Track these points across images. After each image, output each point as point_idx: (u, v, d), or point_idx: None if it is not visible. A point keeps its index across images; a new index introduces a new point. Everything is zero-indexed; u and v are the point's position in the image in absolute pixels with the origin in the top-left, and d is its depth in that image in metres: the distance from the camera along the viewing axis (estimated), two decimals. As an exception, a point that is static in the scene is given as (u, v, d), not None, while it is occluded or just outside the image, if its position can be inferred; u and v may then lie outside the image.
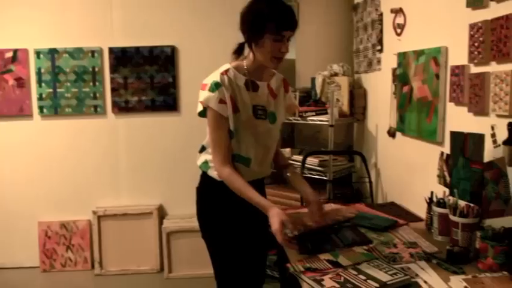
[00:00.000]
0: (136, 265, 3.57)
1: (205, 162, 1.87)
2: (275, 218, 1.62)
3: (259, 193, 1.75)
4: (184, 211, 3.61)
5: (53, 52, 3.53)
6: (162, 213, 3.69)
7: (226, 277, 1.92)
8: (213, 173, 1.83)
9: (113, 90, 3.59)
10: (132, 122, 3.63)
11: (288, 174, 1.96)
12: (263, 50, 1.70)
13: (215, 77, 1.74)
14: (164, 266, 3.48)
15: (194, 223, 3.29)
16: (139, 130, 3.65)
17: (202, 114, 1.80)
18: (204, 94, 1.74)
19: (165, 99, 3.61)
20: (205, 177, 1.89)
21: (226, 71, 1.75)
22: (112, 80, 3.58)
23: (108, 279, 3.49)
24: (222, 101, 1.72)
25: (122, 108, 3.61)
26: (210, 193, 1.89)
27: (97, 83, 3.58)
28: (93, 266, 3.61)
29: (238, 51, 1.81)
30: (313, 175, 2.94)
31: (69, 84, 3.56)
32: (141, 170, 3.68)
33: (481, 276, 1.44)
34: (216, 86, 1.71)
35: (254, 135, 1.79)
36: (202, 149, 1.90)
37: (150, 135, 3.66)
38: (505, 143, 1.58)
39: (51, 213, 3.64)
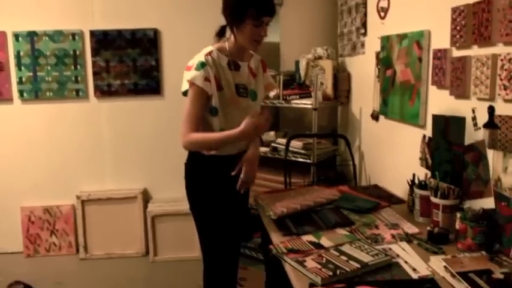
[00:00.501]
0: (121, 249, 3.57)
1: None
2: (244, 126, 1.80)
3: None
4: (168, 195, 3.60)
5: (32, 35, 3.45)
6: (146, 197, 3.68)
7: (213, 247, 2.04)
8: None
9: (95, 73, 3.53)
10: (115, 105, 3.59)
11: None
12: (244, 34, 1.84)
13: (200, 57, 1.86)
14: (149, 249, 3.48)
15: (179, 206, 3.37)
16: (123, 114, 3.61)
17: (187, 93, 1.90)
18: (191, 73, 1.85)
19: (148, 83, 3.57)
20: (192, 153, 1.99)
21: (210, 53, 1.88)
22: (94, 63, 3.52)
23: (93, 263, 3.48)
24: (207, 79, 1.83)
25: (105, 92, 3.55)
26: (197, 167, 1.99)
27: (78, 67, 3.51)
28: (77, 251, 3.60)
29: (220, 34, 1.95)
30: (297, 158, 2.95)
31: (50, 67, 3.49)
32: (125, 154, 3.66)
33: (460, 256, 1.47)
34: (201, 65, 1.83)
35: (237, 111, 1.91)
36: None
37: (134, 119, 3.62)
38: (485, 125, 1.60)
39: (34, 199, 3.60)
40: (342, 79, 3.21)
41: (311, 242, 1.62)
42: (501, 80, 1.51)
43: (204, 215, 2.03)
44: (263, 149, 3.05)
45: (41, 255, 3.59)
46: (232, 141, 1.87)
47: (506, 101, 1.50)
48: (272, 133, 3.18)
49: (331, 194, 2.15)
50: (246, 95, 1.95)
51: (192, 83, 1.84)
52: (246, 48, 1.91)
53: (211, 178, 1.98)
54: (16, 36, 3.43)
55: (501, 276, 1.32)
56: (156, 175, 3.69)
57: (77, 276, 3.28)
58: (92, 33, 3.48)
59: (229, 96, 1.89)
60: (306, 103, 2.98)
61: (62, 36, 3.47)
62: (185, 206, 2.17)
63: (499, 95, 1.53)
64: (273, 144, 3.12)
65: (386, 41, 2.48)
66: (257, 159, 2.02)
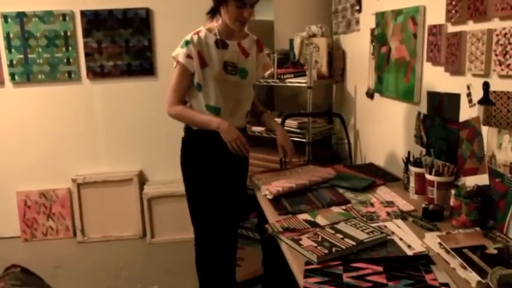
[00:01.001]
0: (118, 231, 3.59)
1: None
2: (225, 133, 1.94)
3: None
4: (164, 176, 3.61)
5: (21, 16, 3.39)
6: (142, 179, 3.69)
7: (202, 219, 2.15)
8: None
9: (87, 55, 3.49)
10: (108, 87, 3.56)
11: (263, 117, 2.26)
12: (228, 14, 1.93)
13: (188, 36, 2.00)
14: (146, 231, 3.50)
15: (175, 188, 3.38)
16: (116, 95, 3.59)
17: None
18: (176, 50, 2.01)
19: (142, 63, 3.54)
20: (186, 128, 2.11)
21: (198, 32, 2.00)
22: (85, 44, 3.48)
23: (91, 246, 3.50)
24: (189, 56, 1.97)
25: (97, 73, 3.52)
26: (192, 141, 2.10)
27: (70, 48, 3.47)
28: (75, 234, 3.62)
29: (212, 13, 2.03)
30: (293, 137, 2.94)
31: (41, 49, 3.45)
32: (120, 136, 3.65)
33: (455, 232, 1.48)
34: (185, 44, 1.98)
35: (224, 87, 2.01)
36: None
37: (128, 100, 3.60)
38: (480, 102, 1.60)
39: (30, 183, 3.60)
40: (336, 57, 3.19)
41: (307, 221, 1.63)
42: (496, 55, 1.50)
43: (197, 191, 2.12)
44: (258, 129, 3.04)
45: (38, 239, 3.61)
46: (207, 127, 1.99)
47: (501, 76, 1.50)
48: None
49: (327, 173, 2.16)
50: (235, 73, 2.03)
51: (176, 60, 2.00)
52: (232, 28, 1.97)
53: (206, 154, 2.07)
54: (5, 17, 3.38)
55: (495, 252, 1.33)
56: (152, 157, 3.68)
57: (75, 259, 3.31)
58: (83, 14, 3.43)
59: (216, 73, 1.98)
60: (301, 82, 2.96)
61: (52, 17, 3.41)
62: (181, 188, 2.20)
63: (494, 70, 1.52)
64: (265, 109, 3.10)
65: (381, 17, 2.45)
66: (287, 135, 2.18)
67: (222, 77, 1.99)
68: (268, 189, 1.96)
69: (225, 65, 2.00)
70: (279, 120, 3.00)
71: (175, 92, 2.02)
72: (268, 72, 3.09)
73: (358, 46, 2.90)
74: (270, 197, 1.93)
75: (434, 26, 1.90)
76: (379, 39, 2.49)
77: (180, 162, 2.15)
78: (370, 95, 2.71)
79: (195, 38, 1.97)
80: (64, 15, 3.42)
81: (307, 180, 2.04)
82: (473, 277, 1.21)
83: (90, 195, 3.55)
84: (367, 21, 2.71)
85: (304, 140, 2.92)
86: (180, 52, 1.98)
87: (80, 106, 3.57)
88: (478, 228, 1.51)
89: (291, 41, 3.26)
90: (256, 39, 2.16)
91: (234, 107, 2.07)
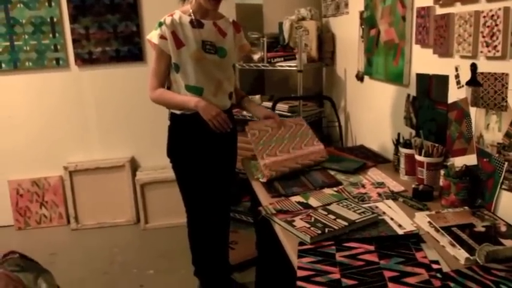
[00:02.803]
0: (112, 218, 3.60)
1: None
2: (203, 111, 1.97)
3: (232, 130, 2.10)
4: (156, 162, 3.61)
5: (5, 2, 3.33)
6: (134, 165, 3.69)
7: (192, 201, 2.19)
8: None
9: (75, 41, 3.45)
10: (97, 74, 3.53)
11: (244, 102, 2.28)
12: None
13: (161, 19, 2.02)
14: (140, 217, 3.51)
15: (167, 173, 3.38)
16: (106, 82, 3.56)
17: None
18: (151, 33, 2.05)
19: (130, 49, 3.51)
20: (172, 116, 2.12)
21: (172, 14, 2.04)
22: (73, 30, 3.43)
23: (85, 233, 3.51)
24: (162, 37, 1.99)
25: (86, 60, 3.49)
26: (177, 127, 2.11)
27: (57, 35, 3.43)
28: (69, 222, 3.62)
29: None
30: (284, 121, 2.96)
31: (27, 36, 3.40)
32: (110, 123, 3.63)
33: (444, 211, 1.52)
34: (159, 25, 2.01)
35: (203, 67, 2.02)
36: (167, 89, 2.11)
37: (117, 86, 3.58)
38: (468, 83, 1.62)
39: (21, 171, 3.58)
40: (326, 40, 3.19)
41: (299, 203, 1.65)
42: (483, 37, 1.52)
43: (186, 176, 2.15)
44: (248, 114, 3.05)
45: (32, 228, 3.61)
46: (186, 107, 2.02)
47: (488, 58, 1.52)
48: (257, 97, 3.18)
49: (319, 156, 2.16)
50: (214, 52, 2.04)
51: (152, 43, 2.02)
52: (205, 6, 2.00)
53: (192, 138, 2.08)
54: (-11, 4, 3.32)
55: (482, 229, 1.37)
56: (143, 143, 3.68)
57: (70, 246, 3.32)
58: None
59: (194, 51, 2.00)
60: (291, 65, 2.97)
61: (37, 2, 3.36)
62: (172, 173, 2.20)
63: (481, 52, 1.54)
64: (244, 94, 3.11)
65: (369, 0, 2.45)
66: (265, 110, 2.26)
67: (201, 55, 2.00)
68: (261, 171, 1.97)
69: (203, 44, 2.02)
70: (269, 104, 3.01)
71: (155, 76, 2.05)
72: (257, 56, 3.10)
73: (347, 29, 2.90)
74: (263, 180, 1.95)
75: (423, 8, 1.91)
76: (368, 22, 2.49)
77: (166, 150, 2.17)
78: (360, 77, 2.72)
79: (168, 19, 2.00)
80: (50, 1, 3.36)
81: (300, 164, 2.06)
82: (462, 254, 1.25)
83: (83, 182, 3.55)
84: (356, 3, 2.70)
85: (295, 124, 2.93)
86: (153, 34, 2.02)
87: (70, 93, 3.54)
88: (466, 207, 1.54)
89: (280, 25, 3.25)
90: (232, 20, 2.18)
91: (215, 87, 2.07)
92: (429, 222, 1.44)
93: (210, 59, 2.03)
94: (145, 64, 3.53)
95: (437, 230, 1.39)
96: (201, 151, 2.11)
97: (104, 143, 3.66)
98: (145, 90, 3.45)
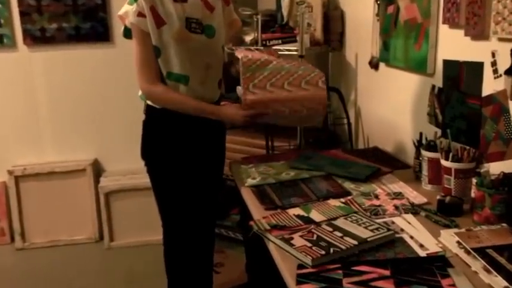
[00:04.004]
0: (68, 235, 3.57)
1: None
2: (235, 116, 1.99)
3: (214, 124, 2.08)
4: (125, 165, 3.60)
5: None
6: (98, 169, 3.68)
7: (172, 214, 2.17)
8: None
9: (23, 14, 3.43)
10: (52, 56, 3.52)
11: None
12: None
13: None
14: (104, 233, 3.50)
15: (139, 180, 3.37)
16: (63, 66, 3.55)
17: (127, 33, 2.03)
18: (123, 8, 1.98)
19: (94, 26, 3.50)
20: (149, 110, 2.08)
21: None
22: (20, 1, 3.40)
23: (33, 253, 3.48)
24: (140, 14, 1.93)
25: (37, 38, 3.47)
26: (156, 122, 2.08)
27: (0, 6, 3.39)
28: (13, 239, 3.58)
29: None
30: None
31: (-35, 8, 3.37)
32: (69, 117, 3.62)
33: (477, 229, 1.50)
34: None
35: (189, 50, 1.99)
36: None
37: (77, 72, 3.57)
38: (507, 72, 1.61)
39: (-44, 175, 3.55)
40: (333, 19, 3.19)
41: (299, 216, 1.65)
42: (527, 15, 1.51)
43: (165, 183, 2.13)
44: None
45: (-33, 245, 3.57)
46: (205, 116, 2.01)
47: (532, 41, 1.51)
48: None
49: (316, 104, 2.02)
50: (201, 31, 2.02)
51: (124, 20, 1.99)
52: None
53: (173, 138, 2.07)
54: None
55: (524, 252, 1.36)
56: (109, 142, 3.67)
57: (13, 270, 3.28)
58: (17, -37, 3.37)
59: (177, 31, 1.96)
60: (290, 49, 2.95)
61: (-22, -32, 3.33)
62: (146, 179, 2.19)
63: (524, 34, 1.53)
64: None
65: (387, -31, 2.45)
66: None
67: (185, 35, 1.98)
68: (243, 96, 1.97)
69: (187, 22, 1.98)
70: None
71: (145, 65, 1.98)
72: (249, 38, 3.08)
73: (359, 5, 2.90)
74: (252, 183, 1.93)
75: (453, -20, 1.90)
76: (385, -4, 2.49)
77: (140, 151, 2.15)
78: (374, 65, 2.72)
79: None
80: (-5, -34, 3.34)
81: (288, 109, 1.99)
82: (499, 282, 1.23)
83: (32, 190, 3.51)
84: (370, -26, 2.70)
85: (294, 120, 2.92)
86: (128, 10, 1.96)
87: (17, 79, 3.52)
88: (504, 225, 1.53)
89: (278, 0, 3.24)
90: None
91: (204, 73, 2.06)
92: (458, 242, 1.43)
93: (196, 40, 2.01)
94: (112, 45, 3.52)
95: (468, 252, 1.37)
96: (184, 151, 2.10)
97: (60, 141, 3.64)
98: (113, 77, 3.52)
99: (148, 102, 2.08)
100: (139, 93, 2.08)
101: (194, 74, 2.03)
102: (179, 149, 2.09)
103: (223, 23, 2.14)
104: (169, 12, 1.96)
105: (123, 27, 2.04)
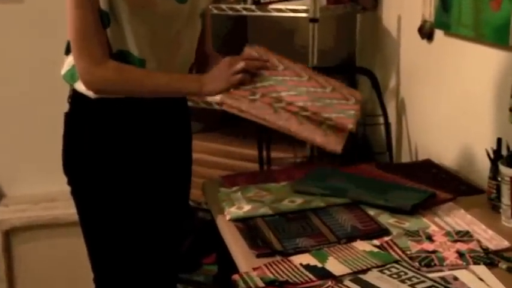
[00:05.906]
0: None
1: (74, 69, 2.05)
2: (216, 82, 2.05)
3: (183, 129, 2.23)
4: (36, 189, 3.65)
5: None
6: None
7: (111, 269, 2.21)
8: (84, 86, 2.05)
9: None
10: None
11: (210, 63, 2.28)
12: None
13: None
14: (2, 291, 3.50)
15: (58, 210, 3.34)
16: None
17: None
18: None
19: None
20: (76, 96, 2.11)
21: None
22: None
23: None
24: None
25: None
26: (87, 116, 2.11)
27: None
28: None
29: None
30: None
31: None
32: None
33: None
34: None
35: (151, 21, 2.04)
36: (69, 49, 2.07)
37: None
38: None
39: None
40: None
41: (309, 267, 1.65)
42: None
43: (98, 211, 2.15)
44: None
45: None
46: (179, 92, 2.12)
47: None
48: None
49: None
50: None
51: None
52: None
53: (114, 140, 2.10)
54: None
55: None
56: (12, 155, 3.68)
57: None
58: None
59: None
60: (296, 9, 2.96)
61: None
62: (69, 209, 2.17)
63: None
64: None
65: None
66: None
67: (146, 1, 2.01)
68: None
69: None
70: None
71: (86, 38, 1.98)
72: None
73: None
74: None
75: None
76: None
77: (62, 161, 2.15)
78: (426, 33, 2.73)
79: None
80: None
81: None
82: None
83: None
84: None
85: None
86: None
87: None
88: None
89: None
90: None
91: (171, 54, 2.11)
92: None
93: (162, 5, 2.03)
94: (19, 1, 3.49)
95: None
96: (128, 161, 2.11)
97: None
98: (19, 50, 3.50)
99: (78, 87, 2.07)
100: (63, 71, 2.09)
101: (156, 55, 2.06)
102: (121, 156, 2.10)
103: None
104: None
105: None
